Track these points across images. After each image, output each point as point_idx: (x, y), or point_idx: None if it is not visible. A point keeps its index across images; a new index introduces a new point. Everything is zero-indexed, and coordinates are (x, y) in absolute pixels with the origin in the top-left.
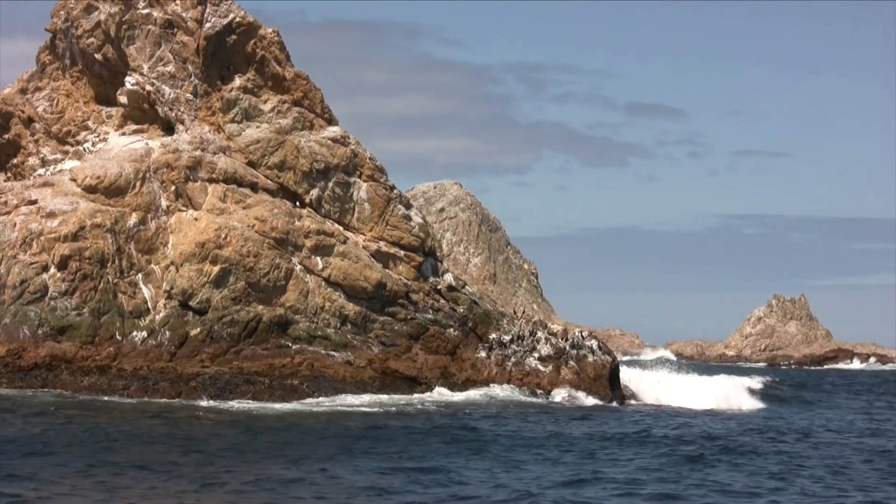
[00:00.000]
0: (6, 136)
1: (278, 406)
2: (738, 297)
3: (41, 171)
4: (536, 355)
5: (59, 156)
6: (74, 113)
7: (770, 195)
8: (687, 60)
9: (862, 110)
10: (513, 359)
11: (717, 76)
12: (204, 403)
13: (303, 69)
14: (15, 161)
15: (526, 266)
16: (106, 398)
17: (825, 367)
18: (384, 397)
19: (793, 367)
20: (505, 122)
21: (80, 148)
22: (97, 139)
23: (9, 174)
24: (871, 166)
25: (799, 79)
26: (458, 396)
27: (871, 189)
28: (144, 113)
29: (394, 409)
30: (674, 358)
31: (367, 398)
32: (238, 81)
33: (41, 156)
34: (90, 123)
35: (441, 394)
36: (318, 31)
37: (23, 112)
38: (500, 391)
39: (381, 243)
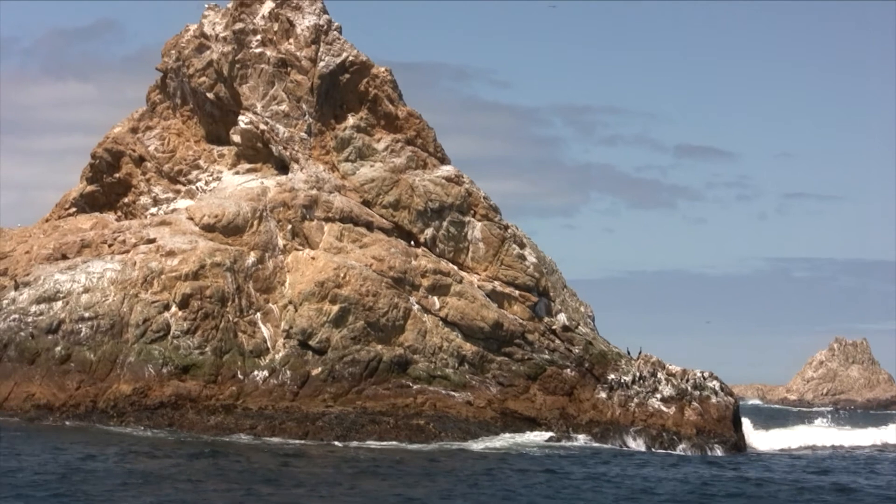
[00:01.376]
0: (117, 175)
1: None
2: (790, 340)
3: (153, 209)
4: (659, 396)
5: (170, 195)
6: (185, 152)
7: (819, 238)
8: (736, 102)
9: None
10: (635, 400)
11: (767, 118)
12: (375, 444)
13: None
14: (126, 200)
15: (583, 309)
16: (244, 438)
17: (890, 411)
18: (527, 438)
19: (858, 411)
20: (553, 165)
21: (193, 187)
22: (210, 178)
23: (119, 213)
24: None
25: (849, 121)
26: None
27: None
28: (258, 152)
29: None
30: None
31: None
32: (351, 120)
33: (153, 195)
34: (201, 162)
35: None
36: None
37: (133, 151)
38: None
39: (496, 283)
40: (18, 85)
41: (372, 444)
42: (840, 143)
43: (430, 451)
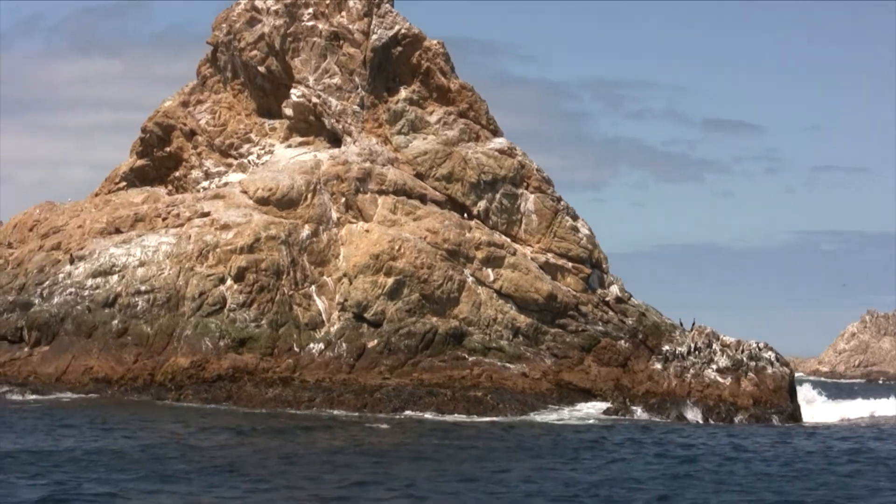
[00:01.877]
0: (168, 149)
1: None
2: (819, 313)
3: (205, 183)
4: (714, 367)
5: (222, 168)
6: (237, 125)
7: (848, 211)
8: (764, 76)
9: None
10: (691, 371)
11: (795, 92)
12: (429, 416)
13: None
14: (177, 174)
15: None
16: (292, 411)
17: None
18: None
19: (891, 383)
20: (581, 139)
21: (245, 160)
22: (262, 151)
23: (170, 187)
24: None
25: (877, 94)
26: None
27: None
28: (310, 125)
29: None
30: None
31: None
32: (404, 93)
33: (204, 168)
34: (253, 136)
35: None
36: None
37: (185, 125)
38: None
39: (549, 255)
40: (45, 62)
41: (429, 416)
42: (869, 116)
43: (510, 424)
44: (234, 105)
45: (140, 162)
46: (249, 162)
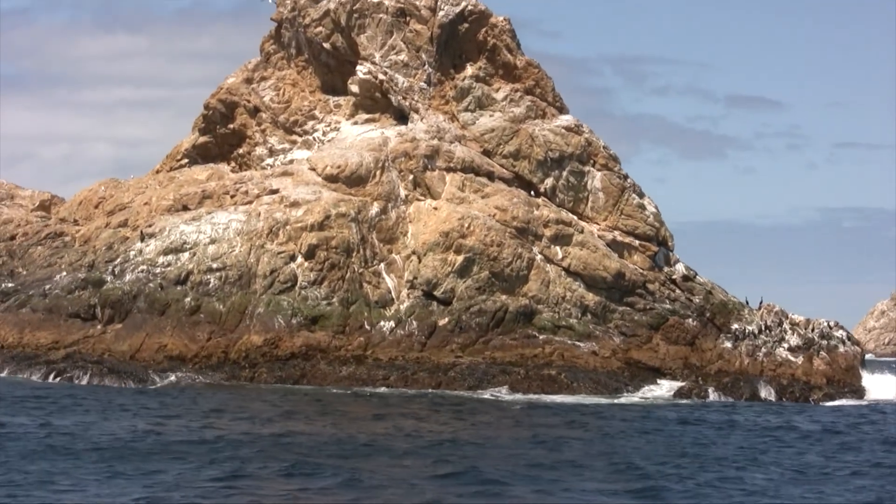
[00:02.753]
0: (231, 126)
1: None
2: (840, 289)
3: (269, 160)
4: (786, 346)
5: (286, 145)
6: (301, 102)
7: (870, 188)
8: (787, 52)
9: None
10: (763, 349)
11: (818, 68)
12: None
13: None
14: (240, 151)
15: None
16: (369, 389)
17: None
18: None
19: None
20: (603, 115)
21: (310, 137)
22: (327, 128)
23: (234, 164)
24: None
25: None
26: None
27: None
28: (376, 102)
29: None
30: None
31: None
32: (470, 70)
33: (269, 145)
34: (317, 112)
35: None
36: None
37: (248, 102)
38: None
39: (616, 233)
40: (69, 38)
41: (505, 394)
42: (891, 93)
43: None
44: (298, 82)
45: (202, 139)
46: (315, 139)
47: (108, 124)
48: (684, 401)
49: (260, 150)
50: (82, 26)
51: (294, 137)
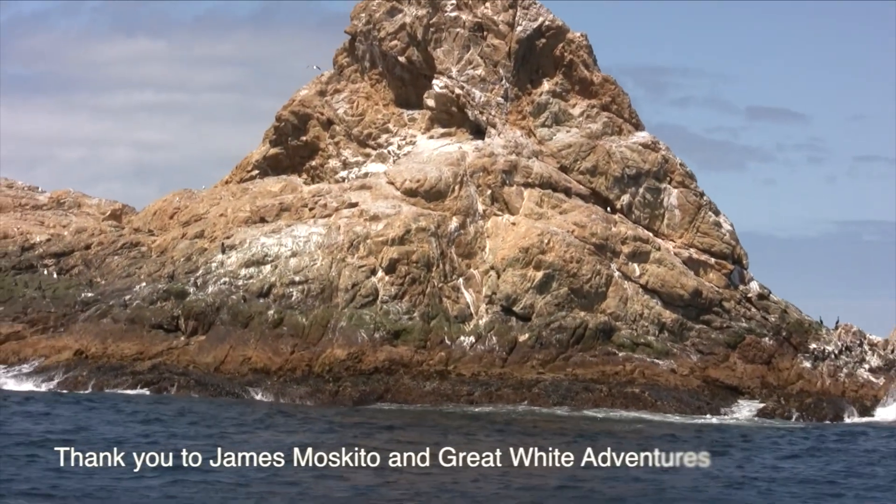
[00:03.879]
0: (304, 138)
1: None
2: (861, 304)
3: (343, 173)
4: (867, 367)
5: (360, 158)
6: (375, 115)
7: (890, 202)
8: (809, 64)
9: None
10: (844, 370)
11: (840, 81)
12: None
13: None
14: (313, 163)
15: None
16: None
17: None
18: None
19: None
20: None
21: (385, 151)
22: (403, 142)
23: (305, 175)
24: None
25: None
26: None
27: None
28: (451, 116)
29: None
30: None
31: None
32: (547, 85)
33: (342, 158)
34: (391, 126)
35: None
36: None
37: (321, 114)
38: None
39: (692, 250)
40: (88, 42)
41: (595, 412)
42: None
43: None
44: (371, 95)
45: (273, 150)
46: (389, 152)
47: (128, 128)
48: (769, 421)
49: (333, 163)
50: (102, 31)
51: (368, 150)
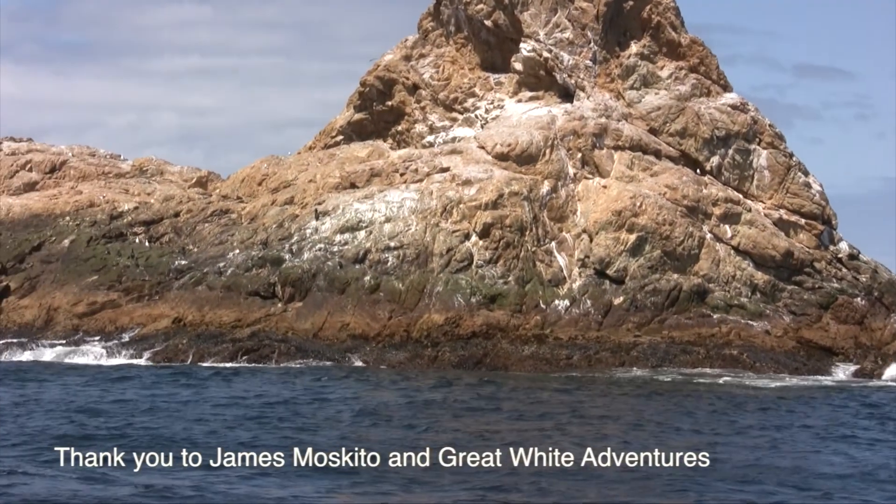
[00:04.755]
0: (389, 103)
1: None
2: None
3: (429, 137)
4: None
5: (447, 122)
6: (461, 80)
7: None
8: (856, 21)
9: None
10: None
11: (888, 37)
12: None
13: None
14: (398, 128)
15: None
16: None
17: None
18: None
19: None
20: None
21: (472, 115)
22: (490, 106)
23: (391, 141)
24: None
25: None
26: None
27: None
28: (539, 79)
29: None
30: None
31: None
32: (635, 48)
33: (429, 122)
34: (477, 90)
35: None
36: None
37: (407, 79)
38: None
39: (782, 211)
40: (135, 6)
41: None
42: None
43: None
44: (457, 59)
45: (358, 116)
46: (477, 116)
47: (175, 93)
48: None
49: (420, 128)
50: None
51: (454, 115)
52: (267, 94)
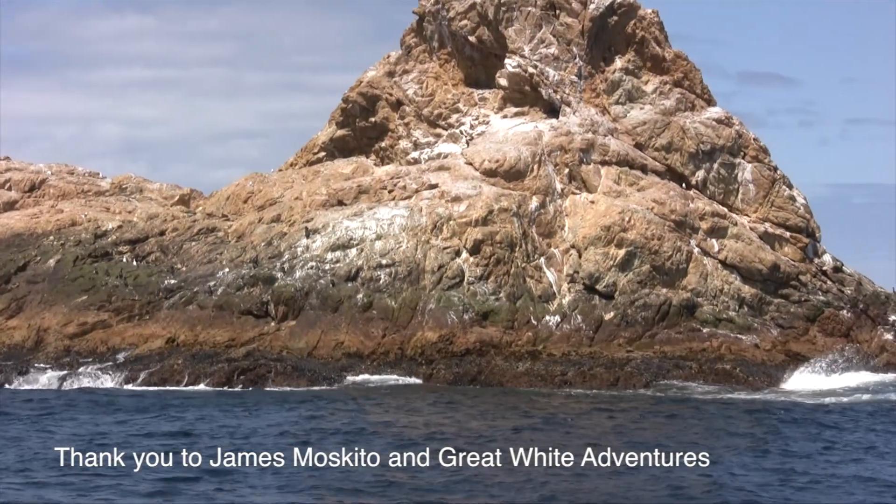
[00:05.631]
0: (373, 119)
1: None
2: (858, 267)
3: (414, 153)
4: None
5: (431, 138)
6: (444, 95)
7: (881, 164)
8: (800, 28)
9: None
10: None
11: (831, 44)
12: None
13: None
14: (382, 144)
15: None
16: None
17: None
18: None
19: None
20: None
21: (456, 130)
22: (475, 122)
23: (375, 157)
24: None
25: None
26: None
27: None
28: (524, 95)
29: None
30: None
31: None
32: (619, 63)
33: (413, 138)
34: (461, 106)
35: None
36: None
37: (390, 95)
38: None
39: (767, 224)
40: (79, 19)
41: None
42: None
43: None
44: (440, 75)
45: (340, 132)
46: (462, 132)
47: (119, 105)
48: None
49: (404, 143)
50: (93, 7)
51: (439, 131)
52: (210, 106)
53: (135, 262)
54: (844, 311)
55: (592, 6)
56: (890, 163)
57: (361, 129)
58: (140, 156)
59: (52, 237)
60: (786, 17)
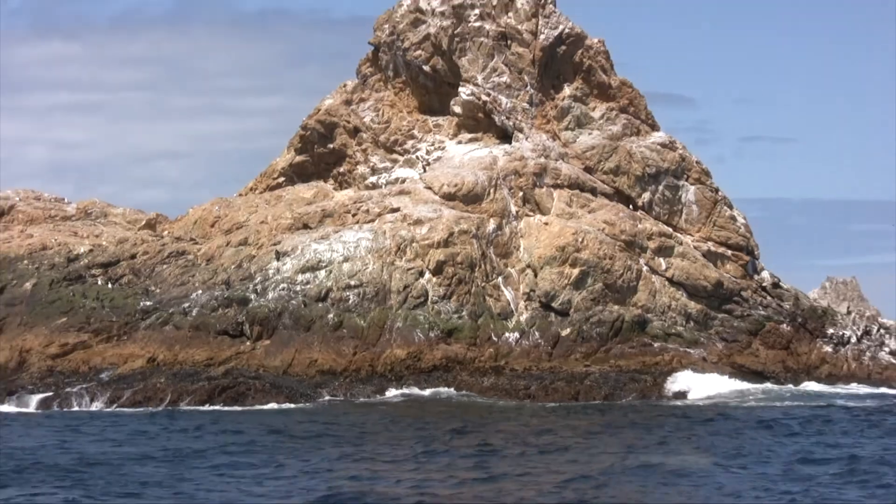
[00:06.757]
0: (331, 146)
1: None
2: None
3: (372, 178)
4: (887, 349)
5: (388, 164)
6: (400, 122)
7: (773, 179)
8: (697, 50)
9: (863, 96)
10: (867, 353)
11: (726, 65)
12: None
13: (330, 69)
14: (340, 169)
15: None
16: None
17: None
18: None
19: None
20: None
21: (413, 156)
22: (431, 147)
23: (333, 182)
24: (873, 150)
25: (804, 66)
26: None
27: (872, 172)
28: (478, 122)
29: None
30: None
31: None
32: (568, 90)
33: (371, 164)
34: (416, 132)
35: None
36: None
37: (348, 122)
38: None
39: (710, 243)
40: (7, 45)
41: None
42: (795, 88)
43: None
44: (395, 103)
45: (299, 158)
46: (418, 158)
47: (44, 128)
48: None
49: (362, 169)
50: (20, 35)
51: (395, 156)
52: (134, 128)
53: (109, 285)
54: (784, 325)
55: (542, 36)
56: (783, 177)
57: (320, 154)
58: (67, 177)
59: (25, 261)
60: (683, 39)
